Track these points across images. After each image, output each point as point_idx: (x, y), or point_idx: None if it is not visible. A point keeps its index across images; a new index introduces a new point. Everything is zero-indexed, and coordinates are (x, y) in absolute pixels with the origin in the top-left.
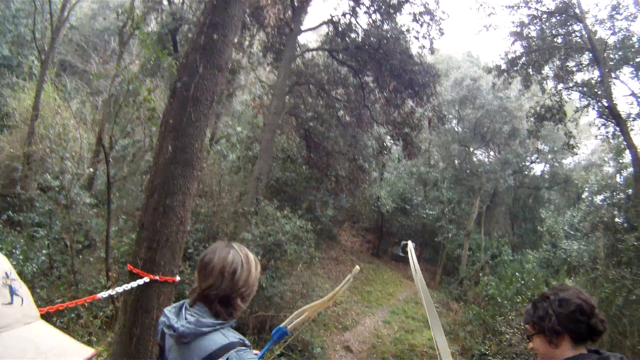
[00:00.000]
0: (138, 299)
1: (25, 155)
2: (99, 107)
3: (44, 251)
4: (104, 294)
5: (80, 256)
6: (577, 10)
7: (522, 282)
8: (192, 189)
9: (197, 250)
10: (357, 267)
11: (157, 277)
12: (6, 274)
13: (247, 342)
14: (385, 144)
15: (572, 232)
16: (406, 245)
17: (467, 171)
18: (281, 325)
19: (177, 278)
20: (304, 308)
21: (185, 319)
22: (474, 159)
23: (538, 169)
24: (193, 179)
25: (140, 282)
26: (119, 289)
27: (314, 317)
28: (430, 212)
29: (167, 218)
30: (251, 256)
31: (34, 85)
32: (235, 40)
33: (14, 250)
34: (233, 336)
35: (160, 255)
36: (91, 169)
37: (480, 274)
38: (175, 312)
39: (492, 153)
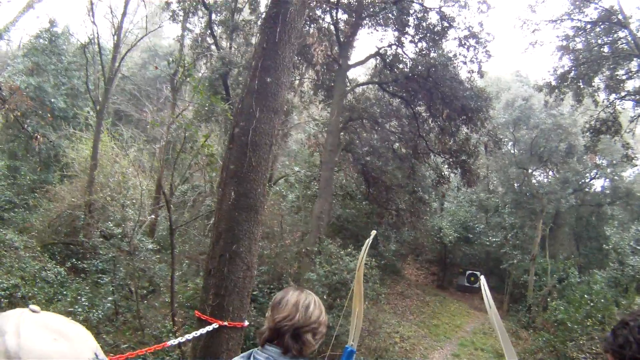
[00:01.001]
0: (207, 345)
1: (86, 204)
2: (156, 154)
3: (109, 298)
4: (173, 342)
5: (145, 301)
6: (620, 17)
7: (592, 304)
8: (257, 234)
9: (262, 292)
10: (374, 231)
11: (225, 323)
12: (95, 354)
13: None
14: (443, 174)
15: (639, 248)
16: (473, 275)
17: (527, 194)
18: (347, 345)
19: (246, 323)
20: (354, 312)
21: None
22: (533, 181)
23: (598, 184)
24: (257, 224)
25: (209, 328)
26: (189, 336)
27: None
28: (494, 239)
29: (233, 264)
30: (320, 302)
31: (91, 135)
32: (288, 78)
33: (79, 297)
34: None
35: (228, 301)
36: (153, 216)
37: (548, 299)
38: None
39: (550, 173)
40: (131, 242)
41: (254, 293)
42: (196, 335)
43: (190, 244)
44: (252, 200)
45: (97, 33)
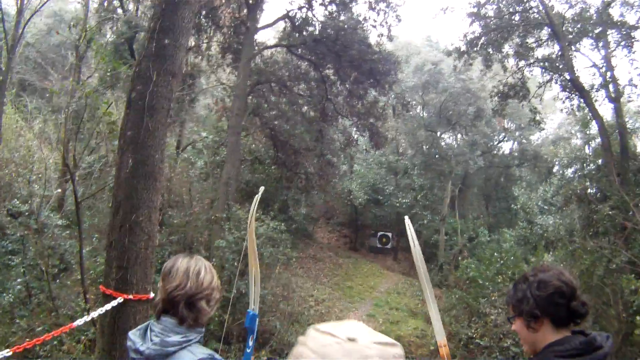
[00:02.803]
0: (114, 320)
1: None
2: (61, 125)
3: (19, 280)
4: (79, 322)
5: (58, 281)
6: None
7: (502, 261)
8: (157, 202)
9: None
10: (262, 187)
11: (130, 296)
12: None
13: (217, 356)
14: (351, 136)
15: (546, 207)
16: (385, 236)
17: (436, 156)
18: (249, 310)
19: (152, 295)
20: (250, 274)
21: (151, 340)
22: (442, 144)
23: (507, 147)
24: (157, 192)
25: (114, 303)
26: (95, 314)
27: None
28: (403, 201)
29: (134, 235)
30: (211, 266)
31: None
32: (189, 43)
33: None
34: (201, 352)
35: (131, 273)
36: (59, 190)
37: (459, 258)
38: (140, 335)
39: (459, 136)
40: (38, 219)
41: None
42: (102, 312)
43: (99, 217)
44: (150, 168)
45: None
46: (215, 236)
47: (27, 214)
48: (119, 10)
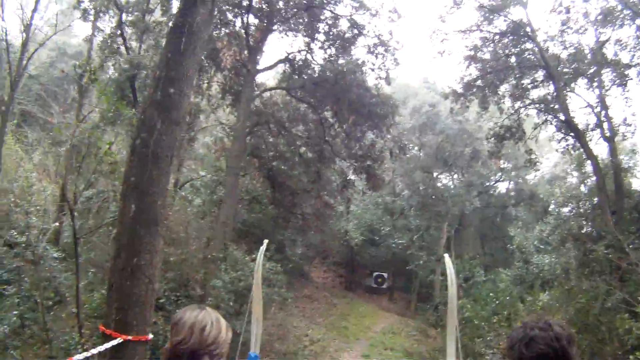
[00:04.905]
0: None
1: None
2: (61, 158)
3: (14, 312)
4: (79, 357)
5: (52, 312)
6: (528, 29)
7: (497, 301)
8: (158, 247)
9: (169, 299)
10: (266, 240)
11: (129, 338)
12: None
13: None
14: (348, 178)
15: (542, 247)
16: (380, 276)
17: (433, 197)
18: (250, 352)
19: (150, 336)
20: (253, 319)
21: None
22: (439, 184)
23: (503, 187)
24: (158, 237)
25: (113, 343)
26: (94, 351)
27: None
28: (400, 241)
29: (135, 278)
30: (222, 320)
31: None
32: (191, 89)
33: None
34: None
35: (131, 315)
36: (57, 223)
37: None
38: None
39: (455, 176)
40: (35, 251)
41: (161, 301)
42: (101, 351)
43: (96, 252)
44: (153, 214)
45: (6, 30)
46: (211, 275)
47: (24, 245)
48: (122, 48)
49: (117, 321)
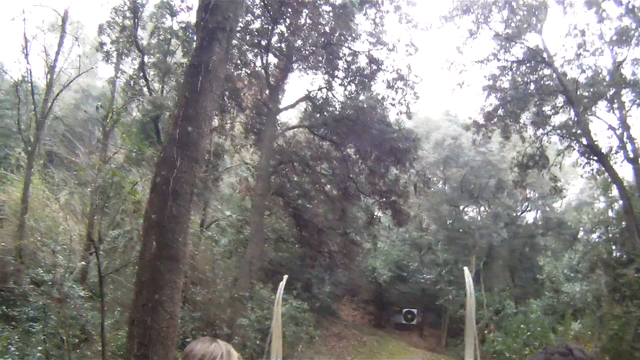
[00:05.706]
0: None
1: (16, 249)
2: (86, 198)
3: (39, 347)
4: None
5: (78, 350)
6: (544, 55)
7: (529, 332)
8: (180, 283)
9: (195, 339)
10: (286, 276)
11: None
12: None
13: None
14: (374, 215)
15: (572, 275)
16: (410, 313)
17: (460, 230)
18: None
19: None
20: (272, 351)
21: None
22: (465, 217)
23: (530, 217)
24: (180, 273)
25: None
26: None
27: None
28: (428, 277)
29: (156, 313)
30: (234, 352)
31: (22, 177)
32: (212, 127)
33: (9, 347)
34: None
35: (152, 351)
36: (83, 262)
37: (486, 332)
38: None
39: (482, 208)
40: (61, 289)
41: (187, 340)
42: None
43: (122, 291)
44: (174, 250)
45: (31, 71)
46: (237, 314)
47: (50, 283)
48: (145, 89)
49: (139, 356)
